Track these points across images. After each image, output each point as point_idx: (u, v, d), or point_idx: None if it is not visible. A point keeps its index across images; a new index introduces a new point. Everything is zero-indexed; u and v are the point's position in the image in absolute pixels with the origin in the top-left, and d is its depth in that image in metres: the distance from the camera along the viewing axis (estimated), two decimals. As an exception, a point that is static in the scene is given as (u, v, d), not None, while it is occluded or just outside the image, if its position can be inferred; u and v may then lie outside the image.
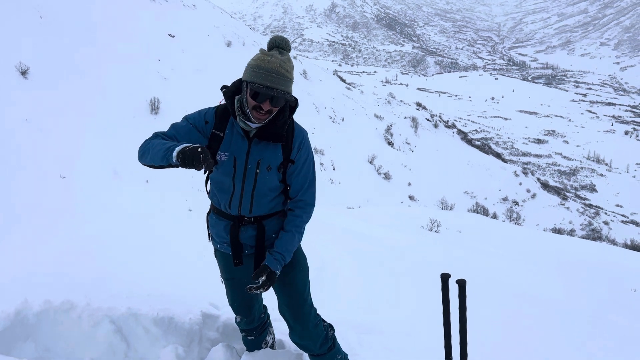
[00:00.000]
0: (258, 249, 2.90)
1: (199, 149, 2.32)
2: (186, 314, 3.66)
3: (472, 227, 15.86)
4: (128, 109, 32.80)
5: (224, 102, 2.76)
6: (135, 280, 4.06)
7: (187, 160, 2.31)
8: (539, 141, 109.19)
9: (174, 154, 2.38)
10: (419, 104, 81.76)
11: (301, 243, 3.06)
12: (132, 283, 3.97)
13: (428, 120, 71.98)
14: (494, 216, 48.27)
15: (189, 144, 2.38)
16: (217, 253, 3.06)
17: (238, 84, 2.70)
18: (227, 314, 3.98)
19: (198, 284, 4.26)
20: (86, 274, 3.86)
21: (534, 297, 6.81)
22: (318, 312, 3.17)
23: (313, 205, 2.90)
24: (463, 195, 57.68)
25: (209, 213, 3.00)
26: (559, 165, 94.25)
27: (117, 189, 9.77)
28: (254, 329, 3.37)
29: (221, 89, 2.74)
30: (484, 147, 77.99)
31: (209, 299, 4.13)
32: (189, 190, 13.61)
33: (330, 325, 3.25)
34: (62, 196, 6.52)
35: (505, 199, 62.54)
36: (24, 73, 30.73)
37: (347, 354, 3.36)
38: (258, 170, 2.73)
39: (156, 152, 2.48)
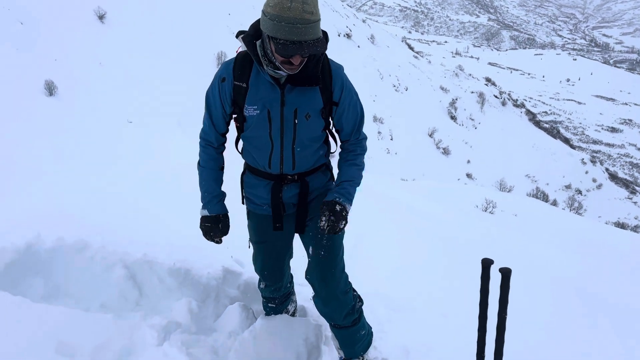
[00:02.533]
0: (301, 207, 2.64)
1: (203, 229, 2.65)
2: (205, 267, 3.46)
3: (529, 212, 15.09)
4: (195, 61, 33.15)
5: (242, 49, 2.39)
6: (156, 227, 3.88)
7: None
8: (613, 130, 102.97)
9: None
10: (488, 80, 78.67)
11: None
12: (152, 230, 3.79)
13: (496, 97, 69.26)
14: (554, 203, 46.20)
15: (207, 215, 2.64)
16: (251, 215, 2.79)
17: (258, 26, 2.29)
18: (250, 272, 3.77)
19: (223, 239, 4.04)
20: (104, 217, 3.71)
21: (587, 294, 6.26)
22: (349, 281, 2.85)
23: (365, 138, 2.67)
24: (524, 178, 55.57)
25: (243, 173, 2.72)
26: (631, 157, 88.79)
27: (177, 139, 9.78)
28: (278, 298, 3.13)
29: (237, 36, 2.37)
30: (552, 131, 74.55)
31: (232, 254, 3.93)
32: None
33: (360, 297, 2.92)
34: (124, 140, 6.46)
35: (568, 187, 59.86)
36: (101, 17, 31.56)
37: (371, 329, 3.04)
38: (297, 121, 2.40)
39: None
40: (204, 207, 2.65)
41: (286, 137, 2.44)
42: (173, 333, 2.99)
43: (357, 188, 2.55)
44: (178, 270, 3.31)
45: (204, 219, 2.65)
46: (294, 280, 3.35)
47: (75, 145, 6.77)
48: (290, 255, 2.97)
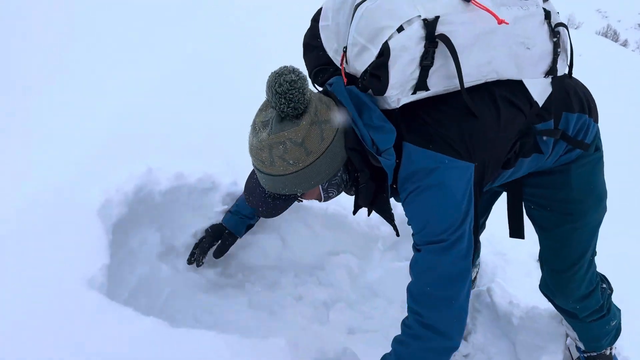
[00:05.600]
0: None
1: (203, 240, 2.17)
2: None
3: (594, 53, 13.16)
4: None
5: None
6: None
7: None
8: None
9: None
10: None
11: None
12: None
13: None
14: (624, 44, 42.37)
15: (218, 226, 2.18)
16: None
17: None
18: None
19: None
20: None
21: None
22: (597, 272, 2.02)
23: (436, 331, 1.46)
24: (594, 13, 50.50)
25: None
26: None
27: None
28: None
29: None
30: (636, -43, 65.73)
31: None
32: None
33: (609, 287, 2.12)
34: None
35: (642, 25, 54.50)
36: None
37: (620, 312, 2.20)
38: None
39: None
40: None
41: None
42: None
43: None
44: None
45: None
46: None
47: None
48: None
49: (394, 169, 1.41)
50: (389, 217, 1.57)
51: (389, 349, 1.83)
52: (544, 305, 2.30)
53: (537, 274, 2.93)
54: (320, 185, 1.44)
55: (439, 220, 1.39)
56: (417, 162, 1.39)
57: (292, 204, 1.51)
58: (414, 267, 1.49)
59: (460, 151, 1.40)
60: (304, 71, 1.41)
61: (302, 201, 1.54)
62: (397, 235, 1.70)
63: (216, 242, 2.15)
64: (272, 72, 1.33)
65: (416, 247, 1.47)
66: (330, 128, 1.36)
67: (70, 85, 2.60)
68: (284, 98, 1.29)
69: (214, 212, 2.22)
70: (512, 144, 1.52)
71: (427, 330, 1.44)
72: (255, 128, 1.40)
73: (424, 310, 1.45)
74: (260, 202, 1.49)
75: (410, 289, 1.49)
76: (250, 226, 2.17)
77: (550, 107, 1.54)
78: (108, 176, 1.96)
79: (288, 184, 1.39)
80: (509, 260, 2.82)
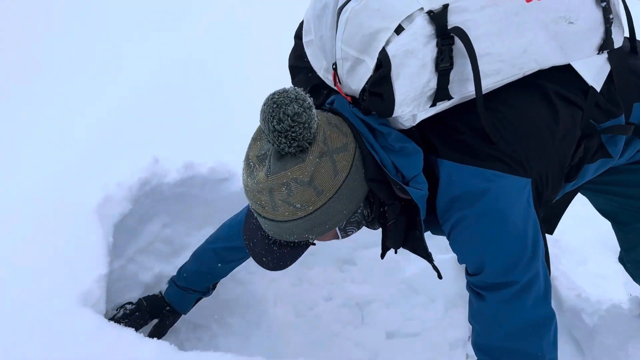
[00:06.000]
0: None
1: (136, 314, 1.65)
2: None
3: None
4: None
5: None
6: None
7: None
8: None
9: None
10: None
11: None
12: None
13: None
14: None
15: (157, 300, 1.70)
16: None
17: None
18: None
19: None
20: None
21: None
22: None
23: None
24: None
25: None
26: None
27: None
28: None
29: None
30: None
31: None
32: None
33: None
34: None
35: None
36: None
37: None
38: None
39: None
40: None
41: None
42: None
43: None
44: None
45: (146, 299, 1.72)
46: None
47: None
48: None
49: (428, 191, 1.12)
50: (425, 256, 1.24)
51: (432, 357, 1.58)
52: (626, 303, 2.01)
53: (594, 262, 2.64)
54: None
55: (500, 258, 1.08)
56: (459, 183, 1.09)
57: (303, 252, 1.19)
58: (477, 317, 1.16)
59: (511, 163, 1.08)
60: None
61: (315, 244, 1.22)
62: (440, 278, 1.34)
63: (152, 320, 1.70)
64: (267, 99, 1.00)
65: (474, 291, 1.14)
66: (344, 157, 1.06)
67: (68, 74, 2.40)
68: (285, 137, 0.99)
69: (233, 205, 1.98)
70: (574, 150, 1.19)
71: None
72: (250, 165, 1.09)
73: None
74: (264, 250, 1.18)
75: (478, 344, 1.16)
76: (200, 298, 1.76)
77: (614, 94, 1.20)
78: (107, 169, 1.74)
79: (296, 231, 1.09)
80: (563, 248, 2.51)
